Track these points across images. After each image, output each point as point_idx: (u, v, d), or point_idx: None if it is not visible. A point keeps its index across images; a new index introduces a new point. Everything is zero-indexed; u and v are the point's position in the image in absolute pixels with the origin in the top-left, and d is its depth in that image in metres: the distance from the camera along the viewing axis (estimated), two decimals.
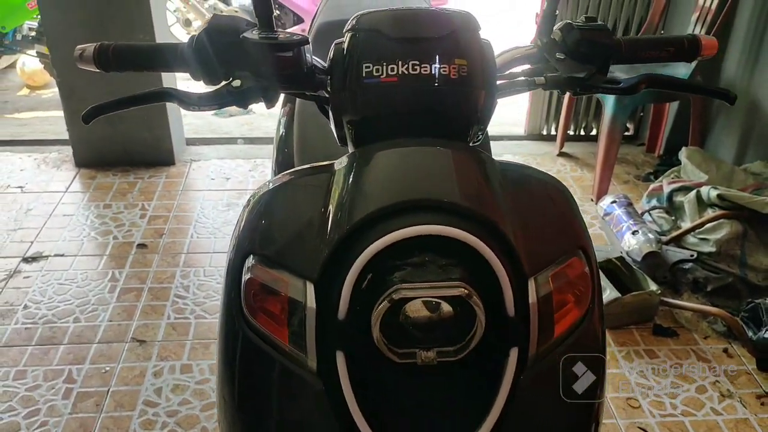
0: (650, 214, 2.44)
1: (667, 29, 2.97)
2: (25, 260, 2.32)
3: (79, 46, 0.84)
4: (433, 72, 0.73)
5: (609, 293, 2.07)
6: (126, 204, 2.66)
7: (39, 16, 3.88)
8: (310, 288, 0.69)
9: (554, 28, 0.85)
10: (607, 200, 2.45)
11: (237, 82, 0.78)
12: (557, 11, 0.85)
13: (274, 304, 0.71)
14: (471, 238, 0.65)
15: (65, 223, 2.53)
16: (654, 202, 2.47)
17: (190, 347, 1.97)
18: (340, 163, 0.75)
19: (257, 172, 2.91)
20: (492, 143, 3.16)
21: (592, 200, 2.73)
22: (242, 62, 0.78)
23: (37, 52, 4.02)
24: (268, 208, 0.77)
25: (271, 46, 0.77)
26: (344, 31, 0.77)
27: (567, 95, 2.89)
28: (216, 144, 3.21)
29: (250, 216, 0.77)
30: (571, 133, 3.24)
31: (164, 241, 2.44)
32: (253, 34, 0.77)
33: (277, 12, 4.32)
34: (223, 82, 0.80)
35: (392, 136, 0.74)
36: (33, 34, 4.00)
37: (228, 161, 3.00)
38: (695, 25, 2.65)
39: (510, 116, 3.66)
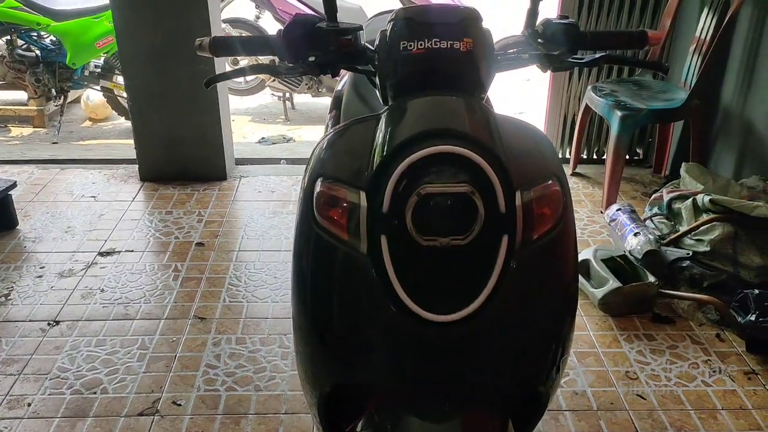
0: (652, 221, 2.71)
1: (670, 56, 3.28)
2: (101, 254, 2.67)
3: (198, 38, 1.19)
4: (449, 46, 1.06)
5: (611, 284, 2.34)
6: (185, 211, 3.01)
7: (105, 55, 4.37)
8: (363, 194, 1.00)
9: (537, 22, 1.18)
10: (613, 208, 2.73)
11: (312, 58, 1.12)
12: (539, 9, 1.18)
13: (336, 210, 1.02)
14: (474, 155, 0.96)
15: (133, 225, 2.89)
16: (655, 210, 2.74)
17: (243, 324, 2.28)
18: (384, 111, 1.07)
19: (299, 186, 3.25)
20: None
21: (601, 212, 3.01)
22: (316, 44, 1.12)
23: (101, 87, 4.48)
24: (332, 144, 1.10)
25: (335, 31, 1.11)
26: (387, 21, 1.11)
27: (579, 119, 3.21)
28: (262, 164, 3.58)
29: (319, 151, 1.10)
30: (584, 156, 3.54)
31: (219, 241, 2.78)
32: (323, 24, 1.12)
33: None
34: (301, 60, 1.14)
35: (421, 92, 1.06)
36: (98, 70, 4.46)
37: (273, 177, 3.35)
38: (692, 56, 2.96)
39: None
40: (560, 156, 3.58)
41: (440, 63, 1.07)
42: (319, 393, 1.14)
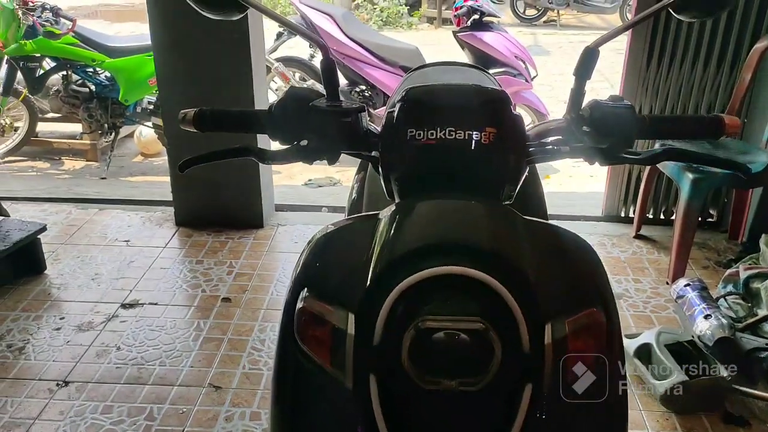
0: (725, 300, 2.39)
1: (750, 113, 2.96)
2: (124, 306, 2.55)
3: (182, 111, 1.02)
4: (466, 137, 0.85)
5: (676, 376, 2.04)
6: (216, 261, 2.87)
7: (157, 92, 4.35)
8: (351, 318, 0.80)
9: (583, 104, 0.95)
10: (680, 283, 2.43)
11: (305, 142, 0.93)
12: (585, 90, 0.95)
13: (321, 331, 0.82)
14: (489, 278, 0.74)
15: (161, 275, 2.77)
16: (729, 288, 2.42)
17: (261, 396, 2.09)
18: (385, 213, 0.87)
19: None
20: (567, 222, 3.22)
21: (667, 283, 2.70)
22: (310, 125, 0.93)
23: (153, 124, 4.46)
24: (322, 248, 0.90)
25: (333, 112, 0.92)
26: (395, 101, 0.91)
27: (645, 176, 2.92)
28: (302, 211, 3.42)
29: (308, 254, 0.90)
30: (650, 216, 3.24)
31: (246, 297, 2.62)
32: (320, 103, 0.93)
33: (369, 92, 4.61)
34: (295, 142, 0.95)
35: (431, 191, 0.86)
36: (151, 107, 4.45)
37: (312, 227, 3.19)
38: None
39: (586, 197, 3.71)
40: (623, 215, 3.29)
41: (454, 157, 0.86)
42: None
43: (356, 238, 0.87)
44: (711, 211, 3.25)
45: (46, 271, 2.76)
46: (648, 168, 2.96)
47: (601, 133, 0.91)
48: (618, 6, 9.51)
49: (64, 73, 4.27)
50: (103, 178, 4.29)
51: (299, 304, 0.85)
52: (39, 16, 4.03)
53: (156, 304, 2.57)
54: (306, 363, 0.83)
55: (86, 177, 4.38)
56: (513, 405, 0.76)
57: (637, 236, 3.12)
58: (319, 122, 0.92)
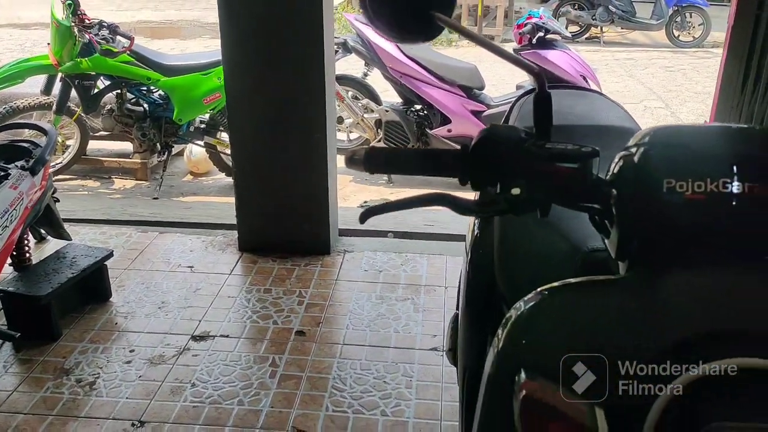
0: None
1: None
2: (194, 338, 2.43)
3: (350, 149, 0.88)
4: (745, 191, 0.70)
5: None
6: (285, 290, 2.74)
7: (211, 111, 4.27)
8: (600, 414, 0.64)
9: None
10: None
11: (516, 191, 0.78)
12: None
13: (557, 427, 0.67)
14: None
15: (229, 304, 2.64)
16: None
17: None
18: (633, 280, 0.72)
19: (408, 266, 2.93)
20: None
21: None
22: (521, 171, 0.78)
23: (205, 143, 4.38)
24: (544, 318, 0.75)
25: (556, 156, 0.77)
26: (634, 143, 0.76)
27: None
28: (367, 236, 3.28)
29: (522, 322, 0.75)
30: None
31: (321, 330, 2.48)
32: (535, 145, 0.78)
33: (425, 111, 4.48)
34: (495, 190, 0.80)
35: (687, 256, 0.70)
36: (203, 126, 4.36)
37: (380, 254, 3.05)
38: None
39: None
40: None
41: (728, 216, 0.71)
42: None
43: (591, 307, 0.72)
44: None
45: (111, 299, 2.65)
46: None
47: None
48: (664, 23, 9.30)
49: (119, 91, 4.20)
50: (155, 198, 4.21)
51: (520, 392, 0.70)
52: (96, 34, 3.97)
53: (227, 336, 2.44)
54: None
55: (138, 197, 4.30)
56: None
57: None
58: (534, 167, 0.77)
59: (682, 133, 0.75)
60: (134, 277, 2.83)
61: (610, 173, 0.78)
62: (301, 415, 2.05)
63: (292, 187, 2.96)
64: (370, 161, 0.86)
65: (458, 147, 0.84)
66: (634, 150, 0.76)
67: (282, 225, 3.02)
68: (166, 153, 4.35)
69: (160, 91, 4.22)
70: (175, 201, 4.24)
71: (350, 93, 4.71)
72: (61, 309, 2.43)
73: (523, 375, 0.71)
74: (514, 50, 4.43)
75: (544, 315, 0.75)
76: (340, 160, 4.40)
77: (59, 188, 4.30)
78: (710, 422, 0.59)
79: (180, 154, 4.84)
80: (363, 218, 0.89)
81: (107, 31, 3.99)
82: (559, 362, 0.70)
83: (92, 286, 2.58)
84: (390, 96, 4.87)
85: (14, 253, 2.49)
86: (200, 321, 2.53)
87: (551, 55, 4.17)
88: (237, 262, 2.97)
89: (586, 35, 9.79)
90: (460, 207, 0.82)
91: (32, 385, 2.17)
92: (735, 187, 0.69)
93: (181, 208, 3.99)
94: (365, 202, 4.18)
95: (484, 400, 0.76)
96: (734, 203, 0.70)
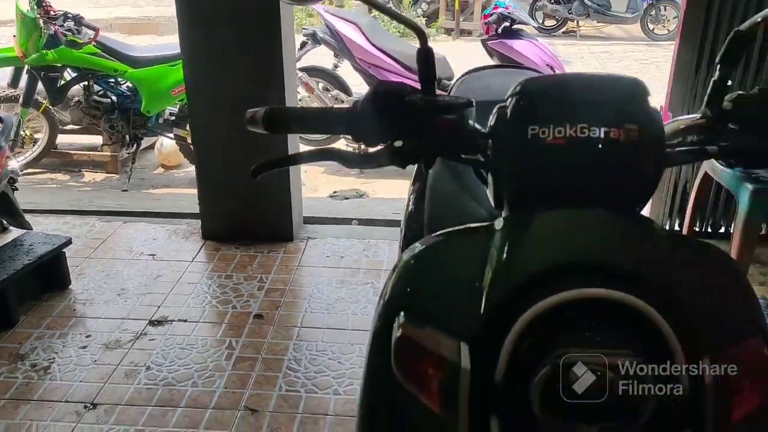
0: None
1: None
2: (152, 323, 2.43)
3: (250, 110, 0.90)
4: (601, 135, 0.72)
5: None
6: (246, 276, 2.76)
7: (179, 103, 4.26)
8: (464, 348, 0.67)
9: (725, 98, 0.82)
10: None
11: (399, 143, 0.80)
12: (729, 80, 0.82)
13: (427, 364, 0.70)
14: (638, 302, 0.62)
15: (190, 290, 2.65)
16: None
17: (300, 421, 1.96)
18: (500, 224, 0.75)
19: (371, 252, 2.95)
20: None
21: None
22: (406, 124, 0.81)
23: (174, 135, 4.36)
24: (422, 265, 0.78)
25: (434, 108, 0.79)
26: (507, 96, 0.79)
27: (695, 187, 2.78)
28: (331, 224, 3.30)
29: (401, 274, 0.78)
30: (698, 229, 3.09)
31: (279, 314, 2.49)
32: (417, 98, 0.80)
33: None
34: (382, 144, 0.83)
35: (553, 199, 0.73)
36: (172, 118, 4.35)
37: (343, 240, 3.07)
38: None
39: None
40: (667, 227, 3.14)
41: (587, 159, 0.73)
42: None
43: (465, 253, 0.74)
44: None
45: (70, 286, 2.65)
46: (699, 179, 2.82)
47: (753, 129, 0.78)
48: (639, 16, 9.39)
49: (86, 83, 4.18)
50: (124, 191, 4.19)
51: (396, 332, 0.72)
52: (61, 25, 3.95)
53: (185, 321, 2.45)
54: (405, 402, 0.71)
55: (107, 189, 4.28)
56: None
57: None
58: (418, 120, 0.80)
59: (547, 83, 0.78)
60: (95, 266, 2.83)
61: (488, 125, 0.81)
62: (255, 395, 2.07)
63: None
64: (270, 120, 0.88)
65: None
66: (508, 102, 0.78)
67: (245, 213, 3.04)
68: (135, 145, 4.34)
69: (128, 83, 4.21)
70: (144, 193, 4.23)
71: (321, 84, 4.71)
72: (18, 296, 2.43)
73: (401, 317, 0.73)
74: (482, 41, 4.47)
75: (423, 261, 0.78)
76: (303, 149, 4.41)
77: (28, 181, 4.31)
78: (557, 350, 0.62)
79: (151, 147, 4.83)
80: (255, 173, 0.91)
81: (72, 23, 3.98)
82: (432, 303, 0.72)
83: (50, 274, 2.58)
84: (364, 89, 4.89)
85: None
86: (159, 307, 2.54)
87: (517, 44, 4.21)
88: (200, 250, 2.98)
89: (563, 29, 9.87)
90: (346, 160, 0.85)
91: None
92: (593, 131, 0.72)
93: (149, 200, 3.99)
94: (335, 192, 4.20)
95: (369, 353, 0.78)
96: (592, 147, 0.72)
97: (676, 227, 3.10)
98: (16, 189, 2.69)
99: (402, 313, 0.73)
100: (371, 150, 0.84)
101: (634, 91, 0.76)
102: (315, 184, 4.41)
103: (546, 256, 0.68)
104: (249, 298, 2.59)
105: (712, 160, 2.58)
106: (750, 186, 2.42)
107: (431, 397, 0.69)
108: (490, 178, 0.79)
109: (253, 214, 3.03)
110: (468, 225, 0.79)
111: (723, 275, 0.75)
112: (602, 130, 0.72)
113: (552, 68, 4.32)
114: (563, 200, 0.72)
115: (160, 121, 4.32)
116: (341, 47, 4.44)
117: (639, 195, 0.77)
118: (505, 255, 0.70)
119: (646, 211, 3.09)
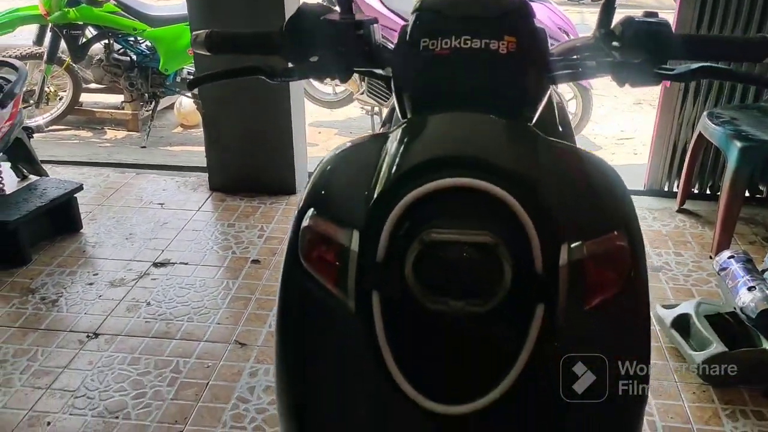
0: None
1: None
2: (155, 265, 2.57)
3: (195, 32, 0.99)
4: (482, 46, 0.80)
5: (715, 347, 1.95)
6: (247, 225, 2.87)
7: None
8: (356, 235, 0.76)
9: (614, 21, 0.88)
10: (724, 255, 2.32)
11: (315, 58, 0.89)
12: (615, 5, 0.88)
13: (326, 251, 0.79)
14: (500, 191, 0.70)
15: (193, 236, 2.78)
16: None
17: None
18: (394, 130, 0.83)
19: None
20: None
21: (710, 257, 2.59)
22: (322, 41, 0.89)
23: (192, 94, 4.48)
24: (331, 169, 0.86)
25: (345, 24, 0.88)
26: (411, 12, 0.87)
27: (691, 147, 2.80)
28: None
29: (317, 176, 0.87)
30: (696, 191, 3.11)
31: (275, 260, 2.61)
32: (332, 16, 0.89)
33: None
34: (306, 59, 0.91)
35: (444, 107, 0.81)
36: (190, 77, 4.47)
37: None
38: None
39: (629, 170, 3.59)
40: (666, 189, 3.16)
41: (470, 68, 0.81)
42: None
43: (366, 156, 0.83)
44: (761, 188, 3.10)
45: (82, 230, 2.81)
46: (694, 139, 2.83)
47: (634, 48, 0.84)
48: None
49: (106, 41, 4.32)
50: (143, 147, 4.34)
51: (304, 223, 0.82)
52: None
53: (187, 263, 2.58)
54: (310, 284, 0.80)
55: (127, 146, 4.43)
56: (523, 330, 0.72)
57: (681, 210, 3.00)
58: (331, 36, 0.88)
59: (441, 2, 0.84)
60: (106, 212, 2.98)
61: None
62: (245, 331, 2.19)
63: (258, 129, 3.07)
64: (210, 42, 0.97)
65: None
66: (410, 19, 0.86)
67: (251, 166, 3.15)
68: (154, 103, 4.47)
69: (147, 42, 4.33)
70: (162, 150, 4.37)
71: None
72: (31, 236, 2.58)
73: (310, 212, 0.82)
74: None
75: (332, 165, 0.87)
76: (308, 104, 4.47)
77: (52, 136, 4.48)
78: (425, 231, 0.70)
79: (171, 107, 4.97)
80: (192, 85, 1.00)
81: None
82: (335, 199, 0.81)
83: (63, 218, 2.73)
84: None
85: None
86: (163, 251, 2.67)
87: None
88: (206, 200, 3.11)
89: None
90: (268, 74, 0.94)
91: None
92: (474, 43, 0.79)
93: (166, 156, 4.13)
94: None
95: (286, 249, 0.87)
96: (473, 57, 0.80)
97: (675, 188, 3.12)
98: (32, 136, 2.84)
99: (311, 210, 0.82)
100: (291, 65, 0.93)
101: (518, 8, 0.83)
102: (328, 146, 4.50)
103: (427, 151, 0.76)
104: (248, 245, 2.71)
105: (705, 119, 2.60)
106: (738, 144, 2.44)
107: (328, 277, 0.78)
108: (393, 89, 0.88)
109: (258, 168, 3.14)
110: (373, 133, 0.87)
111: (596, 178, 0.81)
112: (483, 41, 0.79)
113: (566, 32, 4.31)
114: (452, 106, 0.80)
115: (178, 79, 4.44)
116: (355, 10, 4.47)
117: (522, 104, 0.84)
118: (393, 152, 0.78)
119: (645, 171, 3.13)
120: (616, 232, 0.76)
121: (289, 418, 0.86)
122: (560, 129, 1.50)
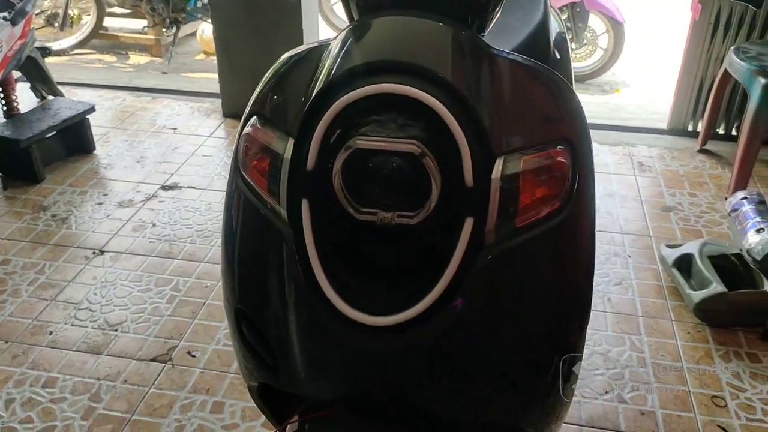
0: None
1: None
2: (163, 188, 2.60)
3: None
4: None
5: (714, 287, 1.92)
6: None
7: None
8: (290, 142, 0.74)
9: None
10: (737, 196, 2.24)
11: None
12: None
13: (263, 159, 0.77)
14: (428, 97, 0.67)
15: (203, 162, 2.80)
16: None
17: None
18: (338, 33, 0.80)
19: None
20: (629, 134, 3.03)
21: (725, 198, 2.51)
22: None
23: (212, 20, 4.44)
24: (275, 75, 0.84)
25: None
26: None
27: (715, 86, 2.68)
28: None
29: (262, 83, 0.85)
30: (720, 132, 3.00)
31: None
32: None
33: None
34: None
35: (391, 10, 0.77)
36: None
37: None
38: None
39: (653, 108, 3.48)
40: (690, 129, 3.05)
41: None
42: (248, 384, 0.92)
43: (306, 63, 0.80)
44: None
45: (95, 152, 2.84)
46: (720, 75, 2.71)
47: None
48: None
49: None
50: (164, 73, 4.34)
51: (244, 131, 0.80)
52: None
53: (194, 188, 2.61)
54: (248, 193, 0.79)
55: (149, 71, 4.43)
56: (452, 243, 0.70)
57: (702, 151, 2.90)
58: None
59: None
60: (120, 135, 3.01)
61: None
62: None
63: (269, 54, 3.01)
64: None
65: None
66: None
67: None
68: (176, 29, 4.44)
69: None
70: (182, 76, 4.36)
71: None
72: (44, 155, 2.62)
73: (251, 120, 0.81)
74: None
75: (276, 73, 0.84)
76: (323, 28, 4.35)
77: (76, 60, 4.50)
78: (355, 137, 0.68)
79: (194, 33, 4.93)
80: None
81: None
82: (276, 106, 0.79)
83: (76, 139, 2.77)
84: None
85: (3, 102, 2.68)
86: (172, 174, 2.70)
87: None
88: (218, 127, 3.11)
89: None
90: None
91: (11, 217, 2.40)
92: None
93: (185, 82, 4.12)
94: None
95: (233, 156, 0.85)
96: None
97: (698, 129, 3.01)
98: (47, 54, 2.85)
99: (254, 117, 0.81)
100: None
101: None
102: None
103: (363, 55, 0.73)
104: None
105: (731, 54, 2.48)
106: (763, 80, 2.32)
107: (262, 184, 0.77)
108: None
109: None
110: (322, 39, 0.84)
111: (540, 90, 0.77)
112: None
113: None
114: (396, 8, 0.76)
115: (199, 5, 4.39)
116: None
117: (471, 11, 0.80)
118: (331, 57, 0.75)
119: (667, 109, 3.02)
120: (557, 147, 0.72)
121: (232, 324, 0.87)
122: (556, 55, 1.45)
